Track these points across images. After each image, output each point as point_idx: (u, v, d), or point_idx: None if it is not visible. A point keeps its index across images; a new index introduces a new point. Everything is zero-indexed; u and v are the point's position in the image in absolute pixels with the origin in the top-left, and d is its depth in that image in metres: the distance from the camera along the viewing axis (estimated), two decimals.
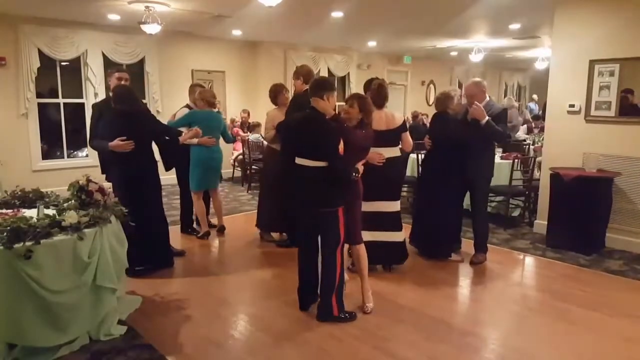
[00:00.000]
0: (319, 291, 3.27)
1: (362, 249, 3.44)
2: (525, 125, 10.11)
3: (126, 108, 3.89)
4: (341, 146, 3.11)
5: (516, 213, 6.11)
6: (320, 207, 3.15)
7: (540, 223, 5.43)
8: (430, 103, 13.14)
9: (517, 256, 4.80)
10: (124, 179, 3.91)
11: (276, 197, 4.68)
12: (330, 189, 3.12)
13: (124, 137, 3.83)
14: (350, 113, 3.28)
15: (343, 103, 3.69)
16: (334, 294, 3.20)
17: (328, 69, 10.41)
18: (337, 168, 3.09)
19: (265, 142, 5.60)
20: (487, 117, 4.08)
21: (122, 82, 4.20)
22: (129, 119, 3.89)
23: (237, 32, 8.28)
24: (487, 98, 4.28)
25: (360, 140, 3.23)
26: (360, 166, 3.31)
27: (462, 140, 4.16)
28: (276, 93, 4.76)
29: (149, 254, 4.01)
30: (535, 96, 14.20)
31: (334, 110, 3.17)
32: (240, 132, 8.54)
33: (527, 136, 9.29)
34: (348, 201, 3.25)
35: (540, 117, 10.39)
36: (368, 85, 4.15)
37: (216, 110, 5.10)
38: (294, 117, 3.40)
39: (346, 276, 3.60)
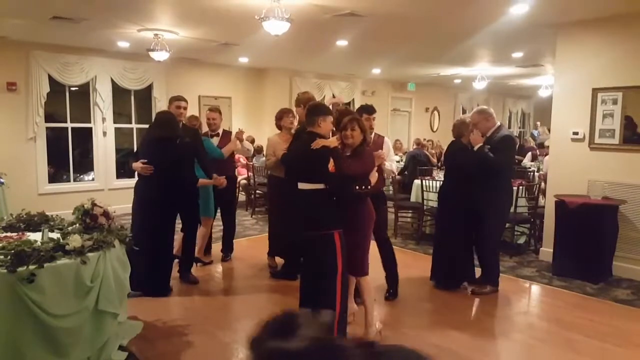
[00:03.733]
0: None
1: (366, 281, 3.32)
2: (529, 153, 10.14)
3: (157, 133, 3.99)
4: (331, 164, 3.04)
5: (522, 240, 6.07)
6: (311, 230, 3.06)
7: (546, 250, 5.38)
8: (435, 129, 13.24)
9: (523, 284, 4.75)
10: (138, 201, 4.03)
11: (277, 223, 4.68)
12: (323, 210, 3.04)
13: (145, 160, 3.95)
14: (354, 137, 3.18)
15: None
16: (334, 326, 3.02)
17: (333, 95, 10.54)
18: (333, 186, 3.03)
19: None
20: (479, 144, 4.09)
21: (181, 110, 4.33)
22: (158, 144, 3.97)
23: (243, 59, 8.46)
24: (497, 124, 4.26)
25: (356, 166, 3.12)
26: (373, 177, 3.21)
27: (469, 170, 4.13)
28: (281, 115, 4.77)
29: (145, 280, 3.97)
30: (538, 123, 14.27)
31: (330, 134, 3.19)
32: (242, 159, 8.60)
33: (531, 163, 9.30)
34: (351, 226, 3.14)
35: (543, 145, 10.42)
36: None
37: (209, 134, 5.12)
38: (296, 144, 3.42)
39: (355, 307, 3.53)
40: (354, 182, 3.10)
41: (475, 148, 4.11)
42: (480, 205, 4.15)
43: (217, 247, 5.42)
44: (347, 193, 3.11)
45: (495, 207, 4.18)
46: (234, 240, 5.45)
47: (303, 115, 4.49)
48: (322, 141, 3.07)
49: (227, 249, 5.37)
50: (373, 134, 3.93)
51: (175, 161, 3.98)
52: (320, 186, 3.04)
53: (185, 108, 4.41)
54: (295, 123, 4.70)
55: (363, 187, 3.12)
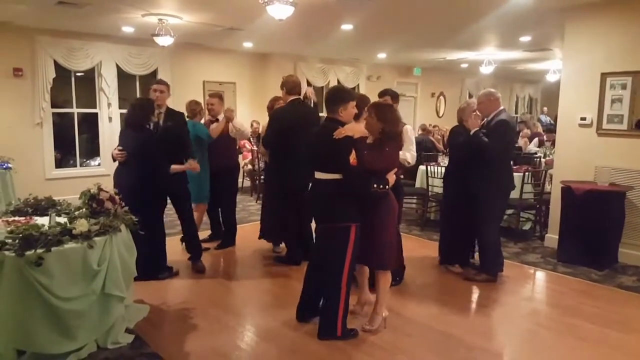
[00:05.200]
0: (320, 309, 3.17)
1: (386, 277, 3.22)
2: (536, 138, 10.06)
3: (127, 119, 4.03)
4: (353, 156, 2.92)
5: (527, 226, 6.06)
6: (327, 223, 3.01)
7: (552, 237, 5.37)
8: (441, 115, 13.14)
9: (528, 270, 4.75)
10: (114, 187, 3.94)
11: (275, 207, 4.67)
12: (340, 203, 2.96)
13: (120, 147, 3.98)
14: (369, 124, 3.04)
15: None
16: (338, 316, 3.05)
17: (338, 80, 10.46)
18: (351, 180, 2.92)
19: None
20: (475, 128, 4.06)
21: (157, 94, 4.28)
22: (127, 130, 4.02)
23: (248, 44, 8.39)
24: (500, 108, 4.23)
25: (374, 159, 2.94)
26: (391, 176, 3.04)
27: (463, 154, 4.16)
28: (272, 103, 4.91)
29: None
30: (545, 108, 14.12)
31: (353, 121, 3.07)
32: (248, 144, 8.59)
33: (538, 149, 9.23)
34: (372, 219, 3.05)
35: (552, 130, 10.32)
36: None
37: (201, 119, 5.07)
38: (314, 131, 3.23)
39: (370, 297, 3.49)
40: (372, 179, 2.93)
41: (472, 132, 4.09)
42: (476, 191, 4.13)
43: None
44: (365, 190, 2.94)
45: (490, 193, 4.10)
46: (235, 236, 5.29)
47: (284, 99, 4.50)
48: (346, 129, 2.93)
49: (223, 243, 5.22)
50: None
51: (146, 147, 3.93)
52: (337, 176, 2.95)
53: (161, 91, 4.28)
54: None
55: (381, 186, 2.94)
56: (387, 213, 3.12)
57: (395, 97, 4.08)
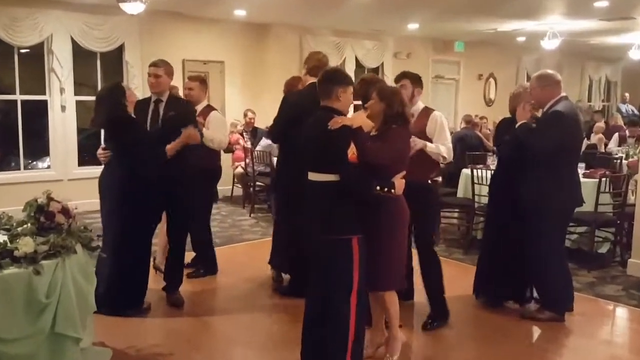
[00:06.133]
0: (325, 348, 3.16)
1: (391, 298, 3.34)
2: (616, 134, 9.99)
3: (101, 113, 4.07)
4: (352, 151, 3.01)
5: (604, 249, 6.00)
6: (323, 234, 3.07)
7: (636, 263, 5.33)
8: (491, 103, 13.11)
9: (606, 306, 4.71)
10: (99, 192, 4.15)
11: (286, 226, 4.67)
12: (338, 210, 3.04)
13: (104, 147, 4.07)
14: (372, 109, 3.22)
15: None
16: (347, 353, 3.06)
17: (356, 58, 10.50)
18: (349, 180, 3.01)
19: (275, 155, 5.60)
20: (522, 120, 4.09)
21: (151, 80, 4.32)
22: (107, 126, 4.12)
23: (240, 13, 8.46)
24: (560, 96, 4.15)
25: (373, 150, 3.07)
26: (399, 180, 3.17)
27: (504, 153, 4.21)
28: (290, 88, 4.82)
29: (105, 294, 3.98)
30: (627, 95, 14.04)
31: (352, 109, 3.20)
32: (241, 140, 8.61)
33: (618, 148, 9.17)
34: (373, 226, 3.14)
35: (636, 123, 10.25)
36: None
37: None
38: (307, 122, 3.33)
39: (386, 335, 3.54)
40: (375, 175, 3.05)
41: (517, 126, 4.09)
42: (524, 203, 4.11)
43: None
44: (366, 192, 3.07)
45: (543, 204, 4.05)
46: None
47: (305, 81, 4.51)
48: (344, 118, 3.03)
49: (197, 271, 5.19)
50: (416, 107, 3.93)
51: (120, 145, 4.03)
52: (333, 177, 3.02)
53: (156, 76, 4.34)
54: None
55: (385, 188, 3.05)
56: (391, 220, 3.20)
57: (416, 81, 4.04)
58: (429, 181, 4.05)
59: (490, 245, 4.54)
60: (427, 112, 4.01)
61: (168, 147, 4.10)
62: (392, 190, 3.09)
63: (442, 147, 3.90)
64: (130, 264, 4.09)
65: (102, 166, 4.26)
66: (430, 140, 3.90)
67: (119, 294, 4.07)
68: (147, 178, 4.04)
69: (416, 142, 3.66)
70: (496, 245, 4.45)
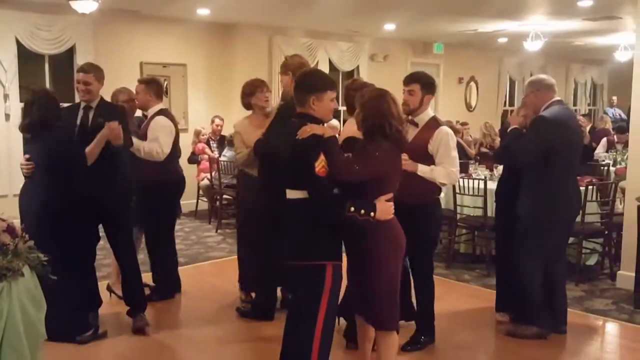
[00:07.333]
0: None
1: (392, 340, 3.17)
2: (604, 139, 10.19)
3: (26, 125, 4.11)
4: (323, 164, 2.88)
5: (592, 261, 6.10)
6: (296, 259, 3.01)
7: (625, 275, 5.39)
8: (472, 108, 13.28)
9: (595, 321, 4.77)
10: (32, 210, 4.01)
11: (250, 243, 4.67)
12: (311, 231, 2.96)
13: (28, 157, 4.05)
14: (357, 118, 3.15)
15: None
16: None
17: (330, 61, 10.55)
18: (317, 196, 2.91)
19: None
20: (514, 126, 4.21)
21: (81, 87, 4.27)
22: (34, 135, 4.11)
23: (203, 12, 8.44)
24: (552, 100, 4.20)
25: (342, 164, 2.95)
26: (382, 202, 2.97)
27: (498, 160, 4.28)
28: (252, 89, 4.74)
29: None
30: (614, 98, 14.35)
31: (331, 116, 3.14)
32: (207, 150, 8.58)
33: (606, 154, 9.35)
34: (366, 258, 3.04)
35: (625, 129, 10.48)
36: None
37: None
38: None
39: None
40: (349, 195, 2.92)
41: (508, 130, 4.20)
42: (519, 210, 4.18)
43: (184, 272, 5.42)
44: (335, 212, 2.92)
45: (530, 215, 4.12)
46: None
47: (290, 86, 4.51)
48: (314, 127, 2.92)
49: (158, 294, 5.12)
50: (422, 116, 3.86)
51: (57, 152, 3.99)
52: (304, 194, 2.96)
53: (85, 83, 4.20)
54: (272, 100, 4.70)
55: (362, 211, 2.87)
56: (384, 249, 3.03)
57: (427, 86, 3.89)
58: (430, 201, 3.91)
59: (498, 257, 4.68)
60: (434, 124, 3.86)
61: (87, 148, 4.06)
62: (372, 214, 2.91)
63: (438, 171, 3.73)
64: (73, 287, 4.00)
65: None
66: (432, 158, 3.77)
67: (67, 319, 3.99)
68: (72, 193, 3.98)
69: (405, 165, 3.40)
70: (499, 256, 4.59)
